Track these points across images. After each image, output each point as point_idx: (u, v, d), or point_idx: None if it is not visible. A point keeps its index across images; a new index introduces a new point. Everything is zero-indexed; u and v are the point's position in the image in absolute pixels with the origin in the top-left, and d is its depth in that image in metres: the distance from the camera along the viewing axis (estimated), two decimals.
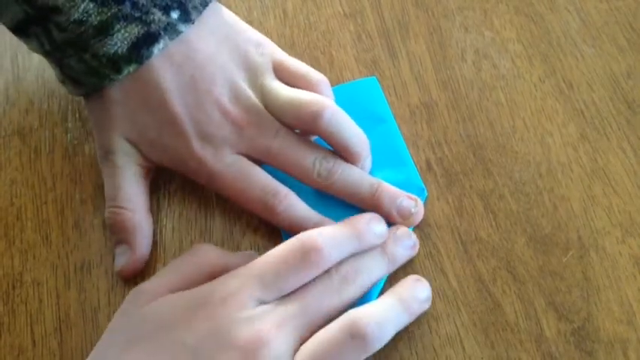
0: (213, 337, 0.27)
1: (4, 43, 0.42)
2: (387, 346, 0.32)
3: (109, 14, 0.32)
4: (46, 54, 0.35)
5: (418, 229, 0.35)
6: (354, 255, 0.32)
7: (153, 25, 0.33)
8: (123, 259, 0.34)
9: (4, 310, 0.35)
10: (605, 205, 0.36)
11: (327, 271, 0.30)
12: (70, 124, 0.40)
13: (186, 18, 0.34)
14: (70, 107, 0.40)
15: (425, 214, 0.36)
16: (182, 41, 0.34)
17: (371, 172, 0.36)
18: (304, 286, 0.30)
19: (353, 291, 0.31)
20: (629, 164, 0.37)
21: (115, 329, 0.29)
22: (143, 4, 0.33)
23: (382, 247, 0.33)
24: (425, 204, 0.36)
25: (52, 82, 0.41)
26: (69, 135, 0.39)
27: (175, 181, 0.38)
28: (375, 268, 0.32)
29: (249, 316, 0.28)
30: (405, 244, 0.34)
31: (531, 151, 0.37)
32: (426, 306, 0.33)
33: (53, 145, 0.39)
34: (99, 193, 0.37)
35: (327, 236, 0.31)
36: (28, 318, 0.34)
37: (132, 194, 0.35)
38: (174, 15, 0.34)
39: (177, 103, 0.34)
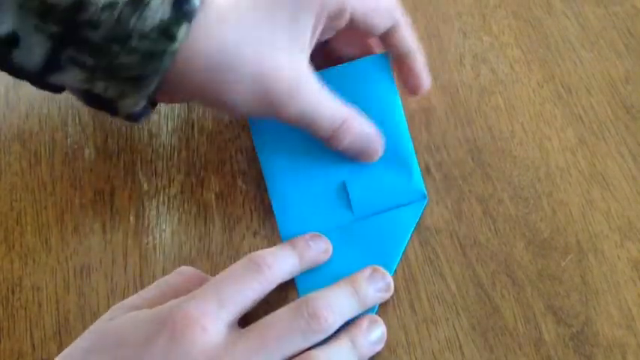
0: None
1: None
2: (385, 350, 0.32)
3: None
4: (90, 72, 0.30)
5: (417, 233, 0.36)
6: (323, 291, 0.31)
7: None
8: None
9: (4, 314, 0.35)
10: (603, 209, 0.36)
11: (298, 307, 0.30)
12: (69, 129, 0.40)
13: None
14: (70, 112, 0.40)
15: (424, 219, 0.36)
16: None
17: (373, 172, 0.36)
18: (270, 319, 0.30)
19: (321, 331, 0.30)
20: (628, 169, 0.37)
21: (82, 339, 0.29)
22: None
23: (354, 286, 0.32)
24: (424, 209, 0.36)
25: None
26: (69, 139, 0.39)
27: (175, 185, 0.38)
28: (347, 306, 0.32)
29: (207, 350, 0.28)
30: (378, 286, 0.33)
31: (530, 156, 0.37)
32: (378, 348, 0.32)
33: (53, 150, 0.39)
34: (98, 197, 0.37)
35: (271, 251, 0.32)
36: (28, 322, 0.34)
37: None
38: None
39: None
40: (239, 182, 0.38)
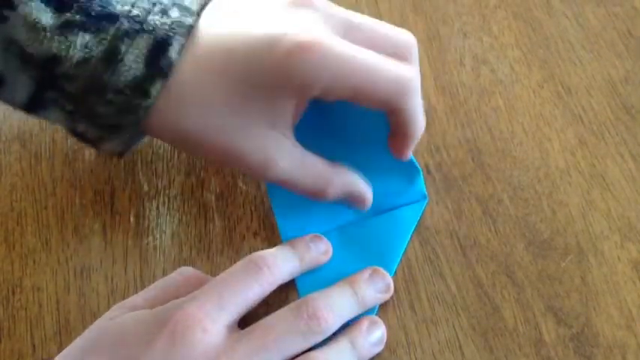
0: None
1: None
2: (385, 351, 0.32)
3: (108, 39, 0.28)
4: (71, 115, 0.31)
5: (417, 233, 0.36)
6: (323, 292, 0.31)
7: (157, 31, 0.29)
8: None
9: (4, 314, 0.35)
10: (603, 210, 0.36)
11: (298, 308, 0.30)
12: None
13: (188, 12, 0.30)
14: None
15: (424, 219, 0.36)
16: (196, 34, 0.30)
17: (373, 172, 0.36)
18: (270, 320, 0.30)
19: (321, 332, 0.30)
20: (628, 169, 0.37)
21: (81, 339, 0.29)
22: (137, 15, 0.29)
23: (353, 287, 0.32)
24: (424, 209, 0.36)
25: None
26: (69, 140, 0.39)
27: (175, 186, 0.38)
28: (347, 307, 0.32)
29: (207, 351, 0.28)
30: (378, 286, 0.33)
31: (530, 156, 0.37)
32: (378, 349, 0.32)
33: (53, 151, 0.39)
34: (99, 198, 0.37)
35: (271, 252, 0.32)
36: (28, 323, 0.34)
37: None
38: (175, 14, 0.29)
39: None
40: (239, 183, 0.38)
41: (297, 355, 0.29)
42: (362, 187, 0.34)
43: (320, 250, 0.34)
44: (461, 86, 0.40)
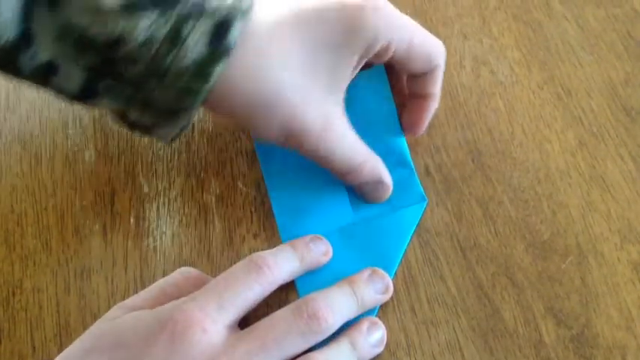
0: None
1: None
2: (385, 352, 0.32)
3: (173, 20, 0.28)
4: (126, 102, 0.30)
5: (417, 235, 0.36)
6: (322, 292, 0.31)
7: (218, 13, 0.28)
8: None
9: (4, 316, 0.35)
10: (603, 211, 0.36)
11: (297, 308, 0.30)
12: (70, 131, 0.40)
13: None
14: (70, 114, 0.40)
15: (424, 221, 0.36)
16: (259, 13, 0.30)
17: None
18: (270, 320, 0.30)
19: (320, 332, 0.30)
20: (627, 171, 0.37)
21: (82, 339, 0.29)
22: None
23: (352, 287, 0.32)
24: (424, 211, 0.36)
25: None
26: (69, 142, 0.39)
27: (175, 187, 0.38)
28: (346, 307, 0.32)
29: (206, 351, 0.28)
30: (377, 287, 0.33)
31: (530, 158, 0.37)
32: (378, 350, 0.32)
33: (54, 152, 0.39)
34: (99, 199, 0.37)
35: (272, 252, 0.32)
36: (28, 324, 0.34)
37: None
38: None
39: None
40: (239, 184, 0.38)
41: (297, 356, 0.29)
42: (389, 177, 0.36)
43: (320, 251, 0.34)
44: (461, 87, 0.40)
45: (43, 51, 0.28)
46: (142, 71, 0.29)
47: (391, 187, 0.36)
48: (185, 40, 0.28)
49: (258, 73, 0.30)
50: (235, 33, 0.29)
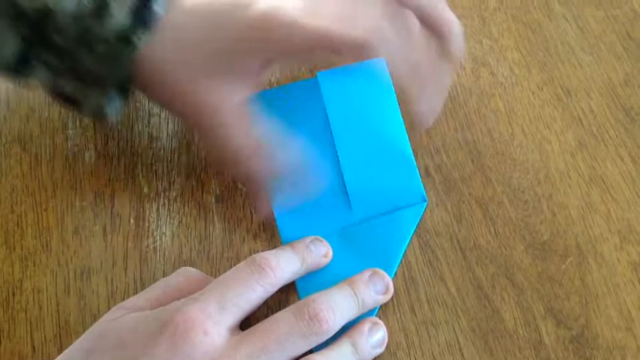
0: None
1: None
2: (385, 353, 0.32)
3: None
4: (58, 72, 0.32)
5: (417, 236, 0.36)
6: (323, 293, 0.31)
7: None
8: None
9: (4, 317, 0.35)
10: (603, 212, 0.36)
11: (299, 310, 0.30)
12: (70, 132, 0.40)
13: None
14: (70, 115, 0.40)
15: (424, 221, 0.36)
16: None
17: (373, 175, 0.36)
18: (271, 322, 0.30)
19: (322, 333, 0.30)
20: (627, 171, 0.37)
21: (82, 340, 0.29)
22: None
23: (353, 288, 0.32)
24: (424, 211, 0.36)
25: None
26: (69, 142, 0.39)
27: (175, 187, 0.38)
28: (347, 308, 0.32)
29: (208, 353, 0.28)
30: (378, 288, 0.33)
31: (530, 158, 0.37)
32: (379, 351, 0.32)
33: (53, 153, 0.39)
34: (99, 200, 0.37)
35: (273, 253, 0.32)
36: (28, 325, 0.34)
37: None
38: None
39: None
40: (239, 185, 0.38)
41: (299, 357, 0.29)
42: (300, 162, 0.35)
43: (321, 253, 0.34)
44: (460, 88, 0.40)
45: None
46: (71, 39, 0.31)
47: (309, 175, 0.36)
48: (110, 10, 0.30)
49: (177, 55, 0.32)
50: (158, 7, 0.31)
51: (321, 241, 0.35)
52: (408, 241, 0.36)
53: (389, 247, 0.35)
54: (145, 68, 0.32)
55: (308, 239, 0.34)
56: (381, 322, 0.32)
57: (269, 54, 0.33)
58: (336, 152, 0.36)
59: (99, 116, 0.34)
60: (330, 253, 0.34)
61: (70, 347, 0.29)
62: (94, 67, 0.32)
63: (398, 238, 0.35)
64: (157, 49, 0.32)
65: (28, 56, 0.32)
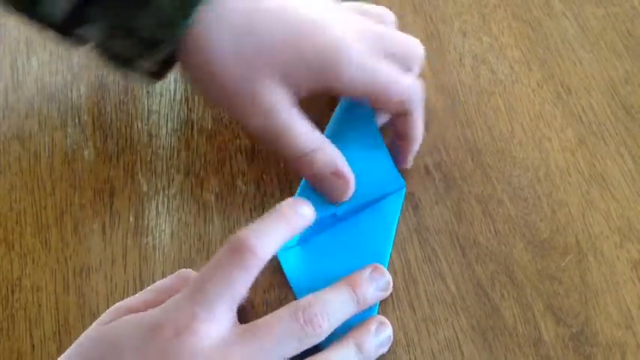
0: None
1: (3, 48, 0.43)
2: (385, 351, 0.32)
3: None
4: (110, 30, 0.32)
5: (417, 233, 0.36)
6: (321, 295, 0.31)
7: None
8: None
9: (3, 314, 0.35)
10: (603, 209, 0.36)
11: (295, 312, 0.30)
12: (69, 129, 0.40)
13: None
14: (69, 112, 0.40)
15: (424, 219, 0.36)
16: None
17: (352, 168, 0.35)
18: (267, 321, 0.29)
19: (315, 336, 0.30)
20: (627, 169, 0.37)
21: (78, 344, 0.29)
22: None
23: (353, 286, 0.32)
24: (424, 208, 0.36)
25: (51, 86, 0.41)
26: (68, 140, 0.39)
27: (174, 185, 0.38)
28: (342, 310, 0.31)
29: (204, 351, 0.27)
30: (378, 284, 0.33)
31: (530, 156, 0.37)
32: (384, 350, 0.32)
33: (53, 150, 0.39)
34: (98, 198, 0.37)
35: (252, 228, 0.30)
36: (27, 322, 0.34)
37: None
38: None
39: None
40: (238, 183, 0.38)
41: (295, 357, 0.29)
42: (348, 169, 0.35)
43: (304, 214, 0.32)
44: (460, 86, 0.40)
45: None
46: None
47: (351, 182, 0.35)
48: None
49: (212, 44, 0.32)
50: None
51: (304, 202, 0.33)
52: (394, 230, 0.35)
53: (378, 238, 0.35)
54: (196, 38, 0.32)
55: (290, 200, 0.33)
56: (387, 322, 0.32)
57: (323, 88, 0.33)
58: None
59: (148, 77, 0.34)
60: (312, 211, 0.33)
61: (66, 352, 0.29)
62: (150, 27, 0.31)
63: (385, 228, 0.35)
64: (212, 22, 0.32)
65: (82, 12, 0.31)
